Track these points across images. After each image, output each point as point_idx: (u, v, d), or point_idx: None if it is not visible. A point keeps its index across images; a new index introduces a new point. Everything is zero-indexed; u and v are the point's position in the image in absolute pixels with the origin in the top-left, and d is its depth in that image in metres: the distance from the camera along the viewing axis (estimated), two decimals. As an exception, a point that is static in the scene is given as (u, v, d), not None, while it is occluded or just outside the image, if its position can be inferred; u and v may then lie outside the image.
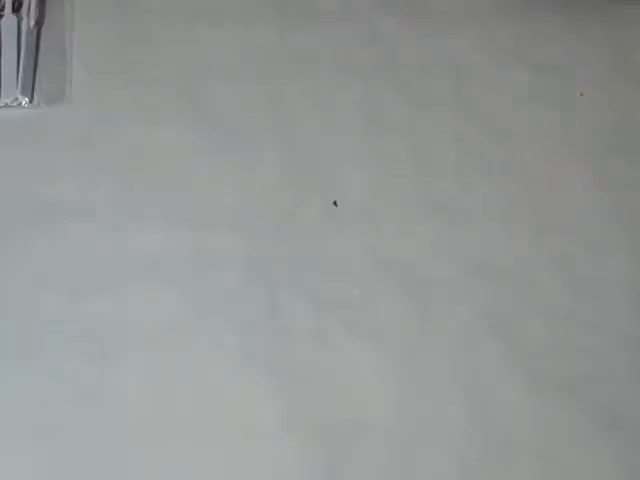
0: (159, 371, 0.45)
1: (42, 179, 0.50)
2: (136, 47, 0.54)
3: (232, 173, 0.51)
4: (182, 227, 0.49)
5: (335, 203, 0.50)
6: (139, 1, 0.55)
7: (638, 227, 0.50)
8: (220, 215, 0.49)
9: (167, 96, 0.53)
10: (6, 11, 0.54)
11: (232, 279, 0.48)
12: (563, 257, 0.49)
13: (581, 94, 0.54)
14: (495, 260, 0.49)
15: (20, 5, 0.54)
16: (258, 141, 0.52)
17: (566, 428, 0.45)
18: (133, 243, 0.48)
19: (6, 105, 0.51)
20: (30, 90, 0.52)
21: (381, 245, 0.49)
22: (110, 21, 0.54)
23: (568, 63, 0.55)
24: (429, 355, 0.47)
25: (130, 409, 0.44)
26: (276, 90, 0.53)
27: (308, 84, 0.53)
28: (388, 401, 0.45)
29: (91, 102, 0.52)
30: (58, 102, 0.52)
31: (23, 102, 0.52)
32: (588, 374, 0.46)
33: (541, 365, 0.46)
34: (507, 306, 0.48)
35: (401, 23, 0.56)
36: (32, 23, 0.54)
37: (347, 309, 0.47)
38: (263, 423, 0.44)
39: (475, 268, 0.49)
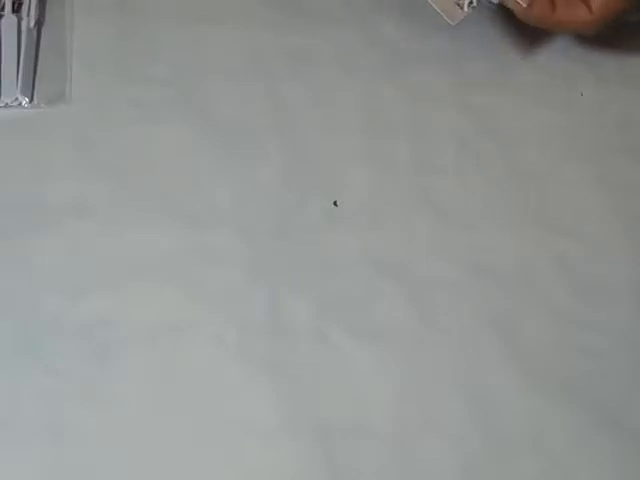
0: (159, 370, 0.45)
1: (42, 179, 0.50)
2: (136, 47, 0.54)
3: (232, 173, 0.51)
4: (182, 227, 0.49)
5: (335, 203, 0.50)
6: (139, 1, 0.55)
7: (638, 227, 0.50)
8: (220, 215, 0.49)
9: (167, 96, 0.53)
10: (6, 11, 0.54)
11: (232, 279, 0.48)
12: (563, 257, 0.49)
13: (581, 94, 0.54)
14: (495, 260, 0.49)
15: (20, 5, 0.54)
16: (258, 141, 0.52)
17: (566, 428, 0.45)
18: (133, 243, 0.48)
19: (6, 105, 0.51)
20: (30, 90, 0.52)
21: (381, 245, 0.49)
22: (110, 21, 0.54)
23: (568, 63, 0.55)
24: (429, 355, 0.47)
25: (130, 408, 0.44)
26: (276, 90, 0.53)
27: (308, 84, 0.54)
28: (388, 401, 0.45)
29: (91, 102, 0.52)
30: (58, 102, 0.52)
31: (23, 102, 0.52)
32: (588, 374, 0.46)
33: (541, 365, 0.46)
34: (507, 306, 0.48)
35: (401, 23, 0.56)
36: (32, 23, 0.54)
37: (347, 309, 0.47)
38: (263, 423, 0.44)
39: (475, 268, 0.49)
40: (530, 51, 0.55)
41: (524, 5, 0.50)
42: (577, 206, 0.51)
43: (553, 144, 0.53)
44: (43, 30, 0.54)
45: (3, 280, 0.47)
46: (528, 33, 0.55)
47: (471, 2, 0.51)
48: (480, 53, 0.55)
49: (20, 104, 0.52)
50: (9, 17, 0.53)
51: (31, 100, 0.52)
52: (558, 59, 0.55)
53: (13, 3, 0.54)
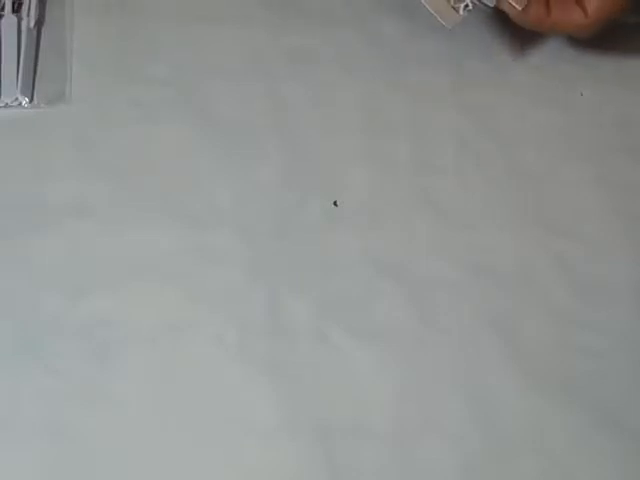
0: (159, 371, 0.45)
1: (42, 179, 0.50)
2: (136, 47, 0.54)
3: (232, 173, 0.51)
4: (182, 227, 0.49)
5: (335, 203, 0.50)
6: (139, 1, 0.55)
7: (638, 227, 0.50)
8: (220, 215, 0.49)
9: (167, 96, 0.53)
10: (6, 11, 0.54)
11: (232, 279, 0.48)
12: (563, 257, 0.49)
13: (581, 94, 0.54)
14: (495, 260, 0.49)
15: (20, 5, 0.54)
16: (258, 141, 0.52)
17: (566, 428, 0.45)
18: (133, 243, 0.48)
19: (6, 105, 0.51)
20: (30, 90, 0.52)
21: (381, 245, 0.49)
22: (110, 21, 0.55)
23: (567, 64, 0.55)
24: (429, 355, 0.47)
25: (130, 409, 0.44)
26: (276, 90, 0.53)
27: (308, 84, 0.54)
28: (388, 401, 0.45)
29: (91, 102, 0.52)
30: (58, 102, 0.52)
31: (23, 102, 0.52)
32: (588, 374, 0.46)
33: (541, 365, 0.46)
34: (507, 306, 0.48)
35: (401, 23, 0.56)
36: (32, 23, 0.54)
37: (347, 309, 0.47)
38: (263, 423, 0.44)
39: (475, 268, 0.49)
40: (524, 53, 0.55)
41: (519, 8, 0.50)
42: (577, 206, 0.51)
43: (553, 144, 0.53)
44: (43, 30, 0.54)
45: (3, 280, 0.47)
46: (523, 35, 0.55)
47: (467, 5, 0.51)
48: (480, 53, 0.55)
49: (20, 104, 0.52)
50: (9, 17, 0.53)
51: (31, 100, 0.52)
52: (556, 60, 0.55)
53: (13, 3, 0.54)
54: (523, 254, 0.49)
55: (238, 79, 0.53)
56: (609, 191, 0.52)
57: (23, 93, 0.52)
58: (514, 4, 0.50)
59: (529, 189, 0.51)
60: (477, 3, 0.51)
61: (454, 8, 0.51)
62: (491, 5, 0.51)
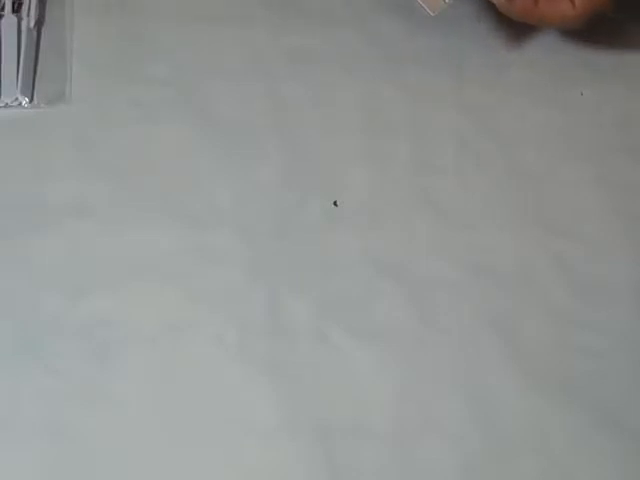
0: (159, 371, 0.45)
1: (42, 179, 0.50)
2: (136, 47, 0.54)
3: (232, 173, 0.51)
4: (182, 227, 0.49)
5: (335, 203, 0.50)
6: (139, 1, 0.55)
7: (638, 227, 0.50)
8: (220, 215, 0.49)
9: (167, 96, 0.53)
10: (6, 11, 0.54)
11: (232, 279, 0.48)
12: (563, 257, 0.49)
13: (581, 94, 0.54)
14: (495, 260, 0.49)
15: (20, 5, 0.54)
16: (258, 141, 0.52)
17: (566, 428, 0.45)
18: (133, 243, 0.48)
19: (6, 105, 0.51)
20: (30, 90, 0.52)
21: (381, 245, 0.49)
22: (110, 21, 0.55)
23: (567, 62, 0.55)
24: (429, 355, 0.47)
25: (130, 409, 0.44)
26: (276, 90, 0.53)
27: (308, 84, 0.54)
28: (388, 401, 0.45)
29: (91, 102, 0.52)
30: (58, 102, 0.52)
31: (23, 102, 0.52)
32: (588, 374, 0.46)
33: (541, 365, 0.46)
34: (507, 306, 0.48)
35: (401, 23, 0.56)
36: (32, 23, 0.54)
37: (347, 309, 0.47)
38: (263, 423, 0.44)
39: (475, 268, 0.49)
40: (518, 46, 0.55)
41: None
42: (577, 206, 0.51)
43: (553, 144, 0.53)
44: (43, 30, 0.54)
45: (3, 280, 0.47)
46: (516, 28, 0.55)
47: None
48: (480, 53, 0.55)
49: (20, 104, 0.52)
50: (9, 17, 0.54)
51: (31, 100, 0.52)
52: (557, 60, 0.55)
53: (13, 3, 0.54)
54: (523, 254, 0.49)
55: (238, 79, 0.53)
56: (609, 191, 0.52)
57: (23, 93, 0.52)
58: None
59: (529, 189, 0.51)
60: None
61: None
62: None
